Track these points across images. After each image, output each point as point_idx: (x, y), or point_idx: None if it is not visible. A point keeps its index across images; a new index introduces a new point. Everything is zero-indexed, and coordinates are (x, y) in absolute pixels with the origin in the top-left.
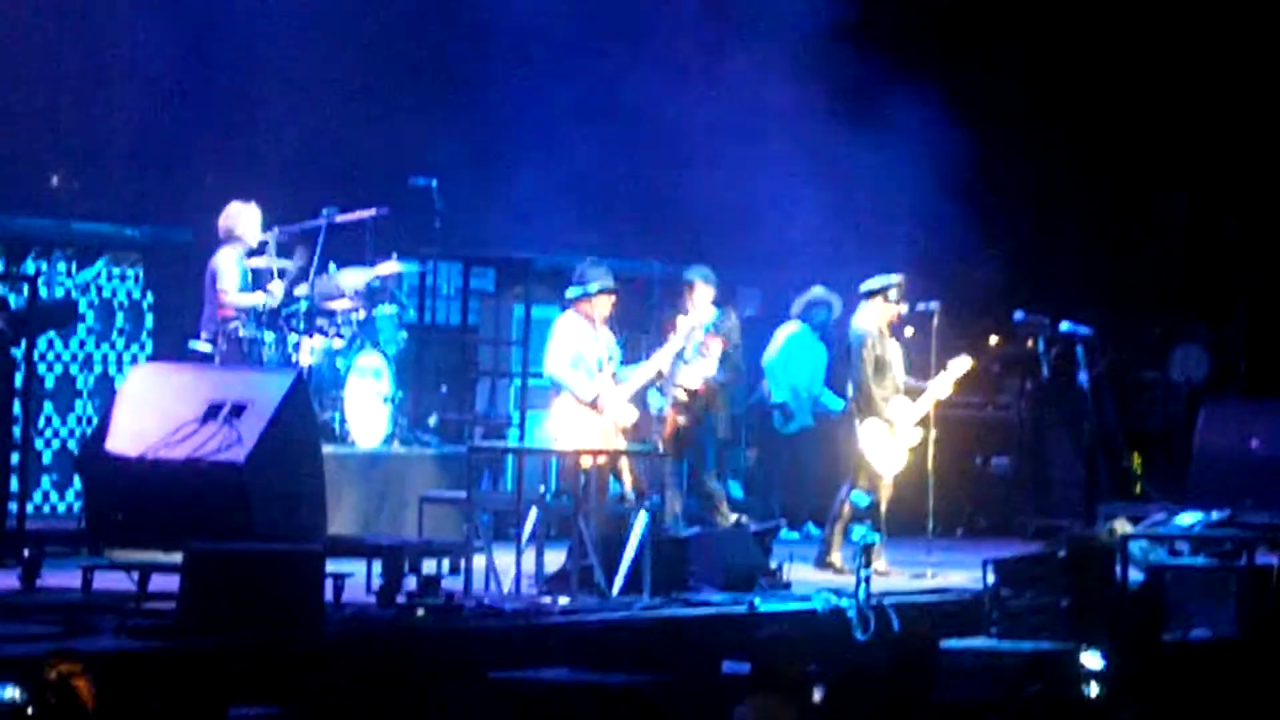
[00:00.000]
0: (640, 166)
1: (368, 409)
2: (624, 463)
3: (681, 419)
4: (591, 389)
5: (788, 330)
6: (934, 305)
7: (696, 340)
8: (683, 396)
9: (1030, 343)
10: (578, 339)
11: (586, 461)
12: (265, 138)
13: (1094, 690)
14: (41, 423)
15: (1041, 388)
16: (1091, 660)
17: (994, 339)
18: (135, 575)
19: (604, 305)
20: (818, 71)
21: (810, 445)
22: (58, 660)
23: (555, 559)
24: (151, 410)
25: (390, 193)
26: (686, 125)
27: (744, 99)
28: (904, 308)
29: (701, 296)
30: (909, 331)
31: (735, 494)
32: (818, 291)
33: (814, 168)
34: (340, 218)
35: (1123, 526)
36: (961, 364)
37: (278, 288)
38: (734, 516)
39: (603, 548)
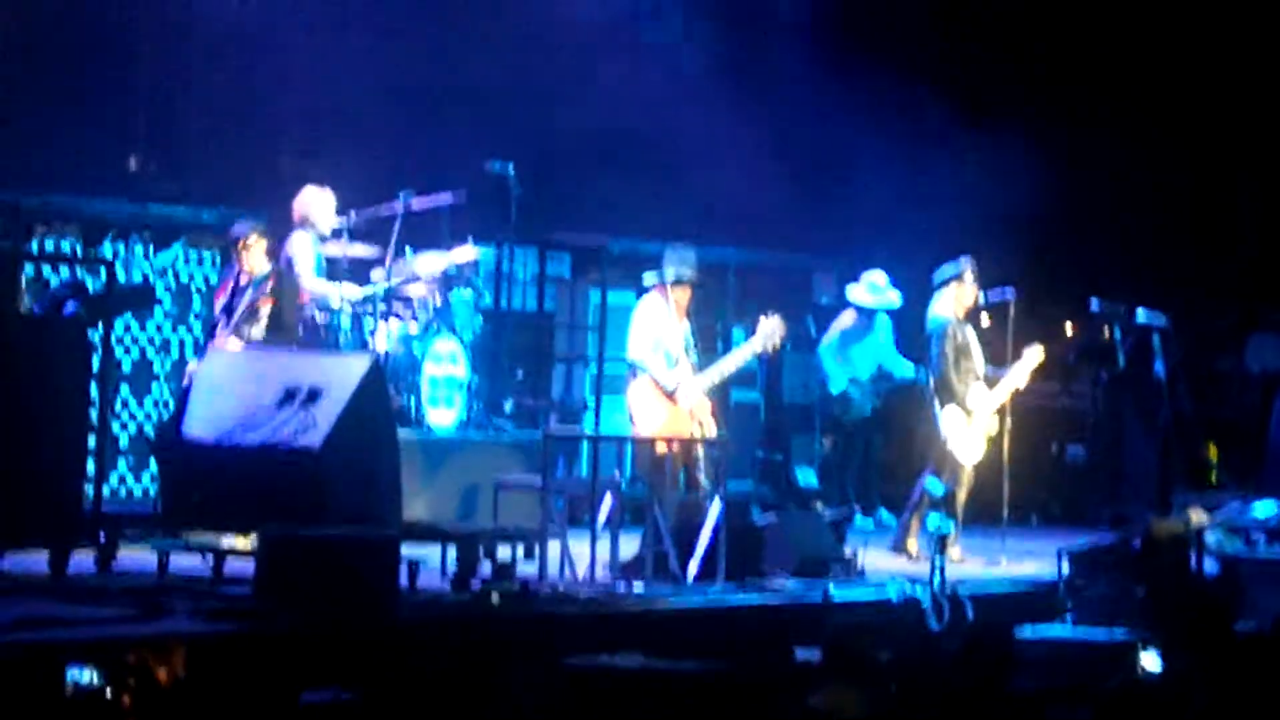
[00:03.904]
0: (715, 152)
1: (443, 394)
2: (700, 452)
3: None
4: (673, 377)
5: (841, 322)
6: (1010, 293)
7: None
8: None
9: (1106, 332)
10: (660, 325)
11: (662, 448)
12: (342, 121)
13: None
14: (118, 406)
15: (1117, 377)
16: (1150, 661)
17: (1070, 328)
18: (210, 559)
19: (682, 295)
20: (901, 63)
21: (883, 432)
22: (135, 644)
23: (630, 545)
24: (227, 395)
25: (467, 177)
26: (761, 111)
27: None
28: (980, 294)
29: (255, 252)
30: (985, 319)
31: (809, 481)
32: (863, 295)
33: (893, 156)
34: (417, 202)
35: (1198, 516)
36: (1035, 354)
37: (353, 291)
38: None
39: (677, 534)
